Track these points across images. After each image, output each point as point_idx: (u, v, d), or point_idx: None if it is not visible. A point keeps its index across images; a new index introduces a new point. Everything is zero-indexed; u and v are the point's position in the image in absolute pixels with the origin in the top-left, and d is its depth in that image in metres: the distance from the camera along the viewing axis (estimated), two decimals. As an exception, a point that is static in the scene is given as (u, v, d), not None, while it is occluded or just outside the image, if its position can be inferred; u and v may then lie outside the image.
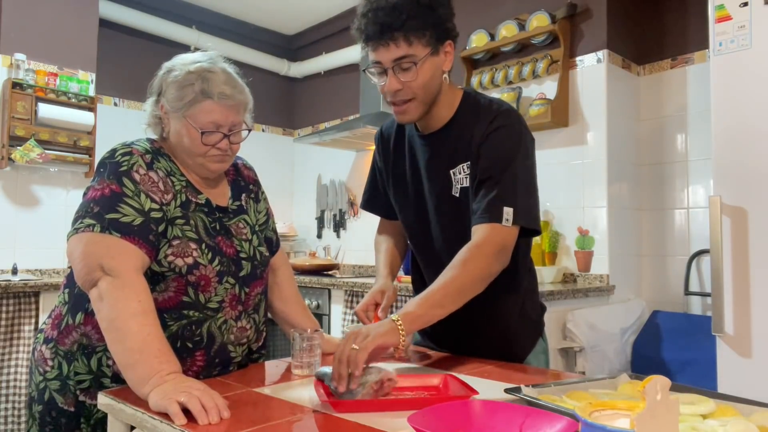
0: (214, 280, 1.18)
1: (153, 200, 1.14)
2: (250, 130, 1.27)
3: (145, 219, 1.11)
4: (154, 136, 1.29)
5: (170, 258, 1.13)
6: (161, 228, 1.14)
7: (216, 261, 1.19)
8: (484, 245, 1.20)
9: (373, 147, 1.53)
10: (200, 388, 0.92)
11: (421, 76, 1.21)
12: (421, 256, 1.47)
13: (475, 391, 0.97)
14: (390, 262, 1.51)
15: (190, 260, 1.15)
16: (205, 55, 1.24)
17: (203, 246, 1.18)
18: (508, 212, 1.21)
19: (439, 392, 1.06)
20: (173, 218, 1.16)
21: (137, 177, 1.15)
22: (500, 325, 1.38)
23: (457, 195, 1.31)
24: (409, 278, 1.60)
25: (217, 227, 1.24)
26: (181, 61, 1.23)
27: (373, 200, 1.57)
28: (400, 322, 1.08)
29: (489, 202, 1.22)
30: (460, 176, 1.30)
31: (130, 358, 0.99)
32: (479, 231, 1.22)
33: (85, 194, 1.15)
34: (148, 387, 0.95)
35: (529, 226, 1.25)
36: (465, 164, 1.29)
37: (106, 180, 1.13)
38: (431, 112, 1.30)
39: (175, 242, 1.15)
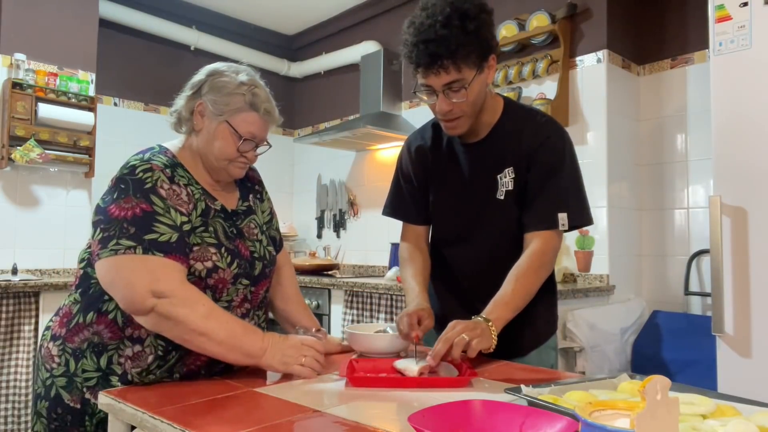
0: (230, 283, 1.21)
1: (181, 213, 1.17)
2: (270, 146, 1.34)
3: (180, 234, 1.14)
4: (164, 143, 1.30)
5: (191, 262, 1.16)
6: (191, 239, 1.18)
7: (234, 264, 1.22)
8: (548, 252, 1.35)
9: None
10: (307, 350, 1.16)
11: (470, 96, 1.29)
12: (459, 255, 1.49)
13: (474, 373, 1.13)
14: (424, 279, 1.48)
15: (209, 264, 1.18)
16: (244, 68, 1.31)
17: (222, 250, 1.21)
18: (563, 218, 1.34)
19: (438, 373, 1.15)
20: (195, 227, 1.19)
21: (163, 193, 1.16)
22: (533, 312, 1.44)
23: (502, 198, 1.40)
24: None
25: (234, 231, 1.27)
26: (228, 69, 1.29)
27: (398, 206, 1.58)
28: (494, 327, 1.19)
29: (544, 210, 1.35)
30: (506, 180, 1.39)
31: (228, 348, 1.11)
32: (539, 239, 1.34)
33: (104, 209, 1.14)
34: (263, 359, 1.14)
35: (584, 224, 1.41)
36: (509, 169, 1.39)
37: (133, 198, 1.13)
38: (476, 120, 1.39)
39: (195, 248, 1.17)
